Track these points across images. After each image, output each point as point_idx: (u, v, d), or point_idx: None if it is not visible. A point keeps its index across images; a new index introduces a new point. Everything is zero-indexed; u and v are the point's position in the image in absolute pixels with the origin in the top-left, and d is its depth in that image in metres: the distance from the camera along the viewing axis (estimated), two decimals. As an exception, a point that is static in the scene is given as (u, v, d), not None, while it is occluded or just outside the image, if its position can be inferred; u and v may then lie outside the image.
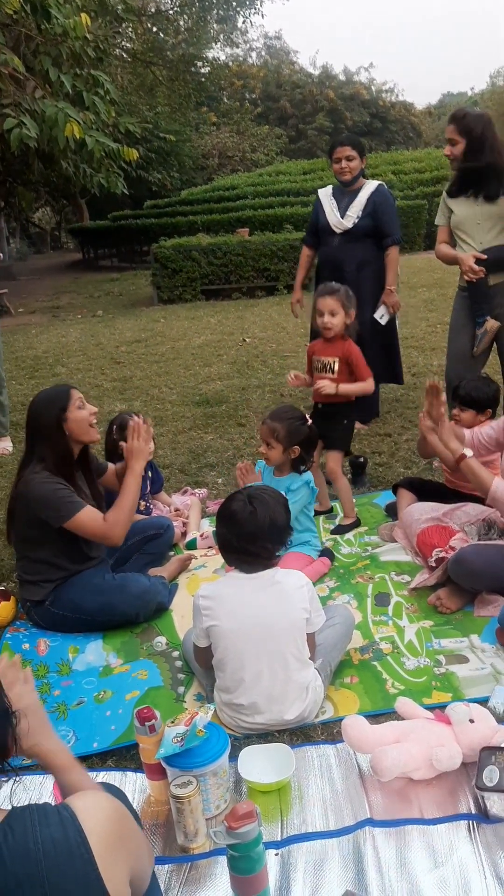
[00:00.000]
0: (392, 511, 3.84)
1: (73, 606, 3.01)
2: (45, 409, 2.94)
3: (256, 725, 2.37)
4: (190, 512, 3.96)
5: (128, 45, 19.85)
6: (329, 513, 4.03)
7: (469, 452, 2.90)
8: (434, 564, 3.15)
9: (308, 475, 3.35)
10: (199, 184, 27.98)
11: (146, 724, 2.15)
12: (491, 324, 3.97)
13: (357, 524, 3.80)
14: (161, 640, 2.95)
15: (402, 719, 2.29)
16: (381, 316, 5.11)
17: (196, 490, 4.33)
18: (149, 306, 13.15)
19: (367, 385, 3.78)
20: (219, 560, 3.54)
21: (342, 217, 4.95)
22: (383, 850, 1.92)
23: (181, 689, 2.65)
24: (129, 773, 2.30)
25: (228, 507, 2.38)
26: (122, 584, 3.05)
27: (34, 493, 2.87)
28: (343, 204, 4.94)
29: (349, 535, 3.71)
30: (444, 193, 4.12)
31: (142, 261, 20.52)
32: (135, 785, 2.26)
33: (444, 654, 2.70)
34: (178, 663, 2.79)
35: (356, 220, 4.92)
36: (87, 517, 2.93)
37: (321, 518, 3.95)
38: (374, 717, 2.40)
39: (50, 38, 7.71)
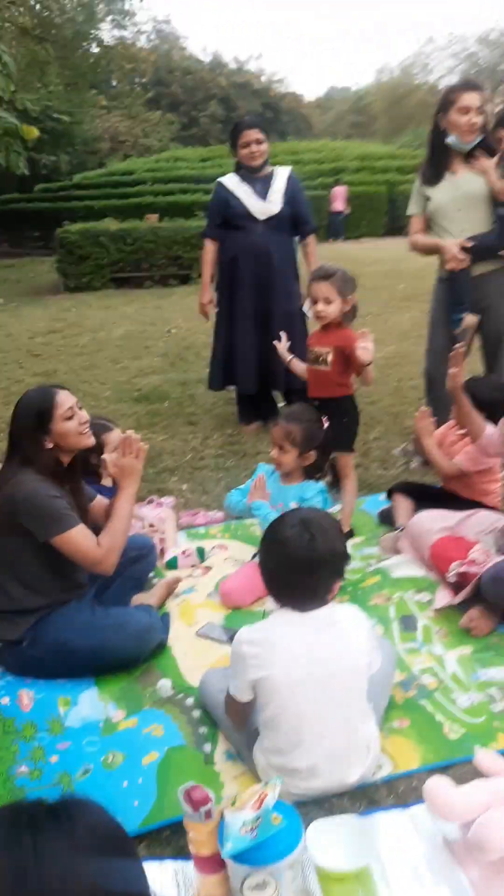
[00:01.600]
0: (387, 518, 3.55)
1: (57, 648, 2.56)
2: (25, 415, 2.49)
3: (311, 791, 2.02)
4: (165, 526, 3.54)
5: (20, 19, 18.84)
6: None
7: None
8: (454, 580, 2.87)
9: (321, 483, 3.01)
10: (90, 168, 27.11)
11: (201, 808, 1.75)
12: (469, 320, 3.73)
13: (351, 535, 3.49)
14: (166, 684, 2.54)
15: (481, 774, 1.99)
16: (308, 309, 4.89)
17: (163, 499, 3.91)
18: (55, 294, 12.45)
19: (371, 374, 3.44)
20: (210, 581, 3.17)
21: (265, 202, 4.64)
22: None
23: (207, 748, 2.25)
24: (168, 862, 1.91)
25: (280, 533, 2.00)
26: (120, 622, 2.61)
27: (23, 496, 2.43)
28: (258, 190, 4.64)
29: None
30: (418, 181, 3.85)
31: (34, 246, 19.61)
32: (177, 878, 1.86)
33: (496, 687, 2.41)
34: (196, 713, 2.39)
35: (281, 206, 4.65)
36: (83, 536, 2.50)
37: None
38: (441, 769, 2.10)
39: None
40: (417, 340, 7.24)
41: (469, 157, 3.67)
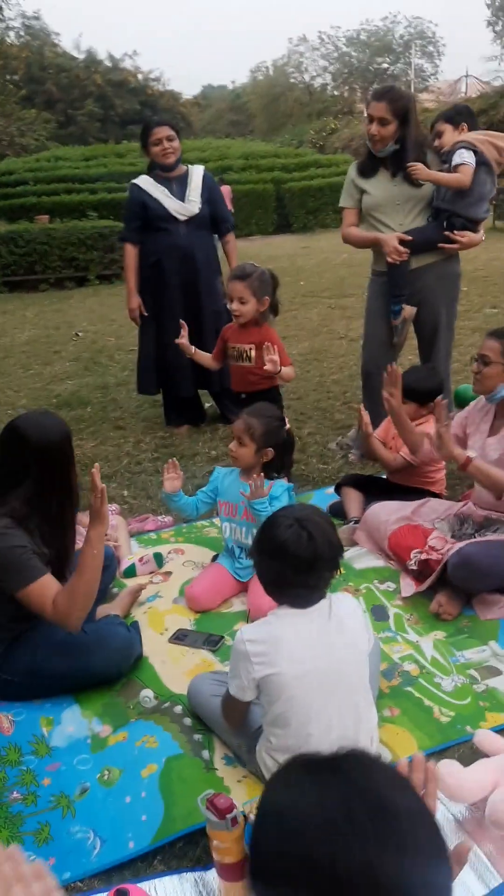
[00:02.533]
0: (337, 512, 3.59)
1: (31, 670, 2.47)
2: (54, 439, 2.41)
3: (320, 786, 2.03)
4: (118, 534, 3.47)
5: None
6: None
7: (474, 454, 2.75)
8: (415, 567, 2.95)
9: (285, 482, 3.03)
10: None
11: (227, 816, 1.74)
12: (408, 311, 3.84)
13: None
14: (148, 695, 2.50)
15: (483, 754, 2.07)
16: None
17: (109, 507, 3.82)
18: None
19: (290, 372, 3.63)
20: (173, 587, 3.14)
21: (184, 202, 4.65)
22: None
23: (206, 754, 2.23)
24: (187, 874, 1.88)
25: (278, 538, 1.99)
26: (99, 639, 2.53)
27: None
28: (175, 190, 4.63)
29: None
30: (354, 173, 3.91)
31: None
32: (198, 888, 1.85)
33: (473, 668, 2.51)
34: (187, 721, 2.36)
35: (200, 205, 4.67)
36: (43, 589, 2.31)
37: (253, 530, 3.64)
38: (439, 753, 2.16)
39: None
40: (329, 335, 7.41)
41: (397, 162, 3.74)
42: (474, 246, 3.76)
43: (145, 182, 4.66)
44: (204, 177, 4.73)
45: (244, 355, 3.63)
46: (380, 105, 3.60)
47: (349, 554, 3.24)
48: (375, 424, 4.08)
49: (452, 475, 3.71)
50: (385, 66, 45.00)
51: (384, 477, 3.70)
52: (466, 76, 37.80)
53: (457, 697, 2.38)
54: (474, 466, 2.73)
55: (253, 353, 3.60)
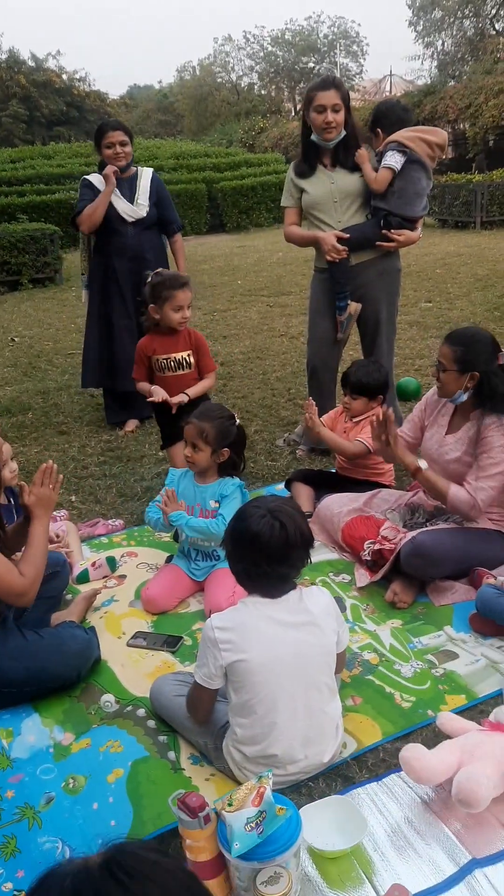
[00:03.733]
0: (289, 508, 3.62)
1: None
2: None
3: (289, 778, 2.05)
4: (69, 539, 3.43)
5: None
6: None
7: (423, 465, 2.81)
8: (369, 557, 2.99)
9: (237, 479, 3.03)
10: None
11: (200, 814, 1.74)
12: (353, 307, 3.88)
13: None
14: (109, 699, 2.47)
15: (446, 736, 2.11)
16: None
17: (56, 512, 3.77)
18: None
19: (210, 381, 3.68)
20: (129, 590, 3.11)
21: (133, 204, 4.71)
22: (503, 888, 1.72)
23: (172, 755, 2.22)
24: (160, 875, 1.87)
25: (250, 530, 2.00)
26: (57, 643, 2.50)
27: None
28: (125, 192, 4.70)
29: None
30: (292, 174, 3.94)
31: None
32: (172, 888, 1.83)
33: (431, 653, 2.55)
34: (151, 723, 2.35)
35: (149, 208, 4.75)
36: (4, 567, 2.36)
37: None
38: (403, 738, 2.20)
39: None
40: (270, 333, 7.44)
41: (338, 153, 3.77)
42: (412, 244, 3.81)
43: (97, 181, 4.70)
44: (152, 179, 4.79)
45: (183, 364, 3.60)
46: (330, 93, 3.64)
47: (303, 548, 3.27)
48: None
49: (399, 466, 3.76)
50: (311, 65, 45.35)
51: (333, 471, 3.74)
52: (391, 75, 38.41)
53: (416, 682, 2.42)
54: (423, 476, 2.82)
55: (192, 358, 3.59)
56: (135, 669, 2.62)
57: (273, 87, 46.01)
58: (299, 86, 45.43)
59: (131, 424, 5.02)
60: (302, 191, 3.88)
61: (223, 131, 40.15)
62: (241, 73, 47.25)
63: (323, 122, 3.68)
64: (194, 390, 3.53)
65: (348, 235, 3.74)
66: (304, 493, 3.55)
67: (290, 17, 75.77)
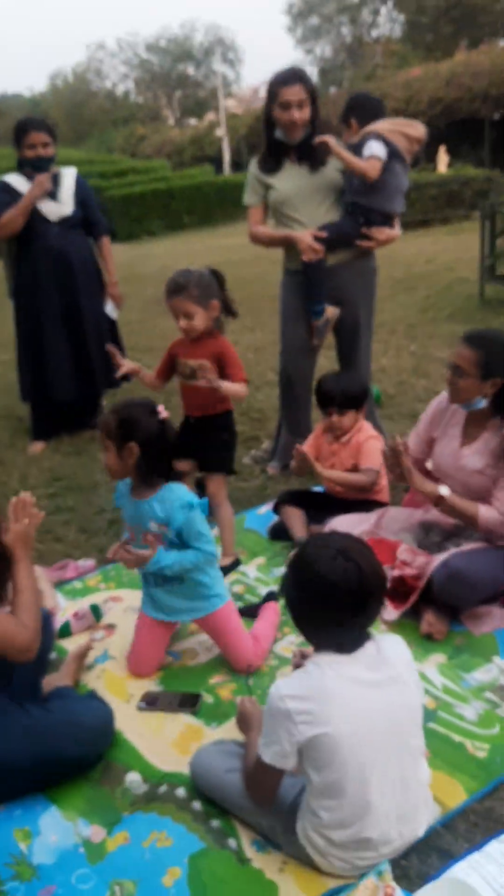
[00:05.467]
0: (279, 534, 3.35)
1: None
2: None
3: (381, 858, 1.77)
4: (42, 587, 3.02)
5: None
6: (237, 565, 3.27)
7: (445, 491, 2.59)
8: (389, 586, 2.75)
9: (182, 489, 2.52)
10: None
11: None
12: (331, 311, 3.64)
13: (237, 563, 3.22)
14: (135, 779, 2.13)
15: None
16: (111, 311, 4.88)
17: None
18: None
19: (242, 388, 3.07)
20: (122, 642, 2.75)
21: (56, 203, 4.45)
22: None
23: (232, 843, 1.90)
24: None
25: (321, 576, 1.69)
26: (70, 719, 2.13)
27: None
28: (48, 191, 4.43)
29: (255, 573, 3.13)
30: (256, 170, 3.66)
31: None
32: None
33: (489, 690, 2.33)
34: (196, 805, 2.02)
35: (74, 207, 4.51)
36: (7, 619, 2.03)
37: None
38: (489, 794, 1.97)
39: None
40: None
41: (304, 148, 3.53)
42: (391, 242, 3.61)
43: (16, 180, 4.43)
44: (77, 179, 4.56)
45: (197, 373, 3.05)
46: (295, 88, 3.38)
47: (310, 579, 3.00)
48: (297, 433, 3.88)
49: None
50: (191, 72, 45.23)
51: (322, 490, 3.48)
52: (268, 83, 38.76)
53: (484, 727, 2.19)
54: (446, 504, 2.58)
55: (212, 369, 3.13)
56: (156, 739, 2.28)
57: (150, 93, 45.57)
58: (177, 93, 45.25)
59: (38, 446, 4.76)
60: (268, 187, 3.61)
61: (101, 139, 39.49)
62: (117, 81, 46.62)
63: (288, 119, 3.43)
64: (229, 386, 2.97)
65: (325, 234, 3.49)
66: (296, 517, 3.28)
67: (164, 24, 75.45)
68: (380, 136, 3.41)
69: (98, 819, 2.02)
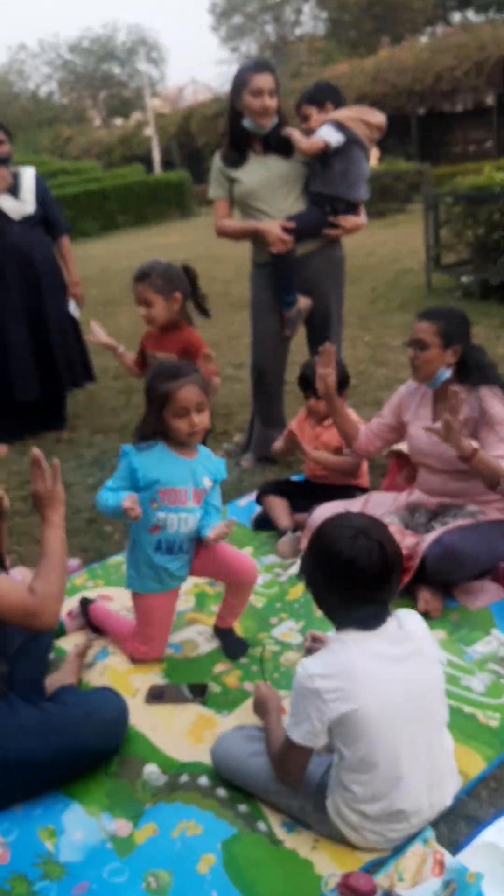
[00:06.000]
0: (263, 524, 3.37)
1: (3, 764, 1.98)
2: None
3: (410, 831, 1.81)
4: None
5: None
6: None
7: (476, 444, 2.63)
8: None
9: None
10: None
11: (374, 898, 1.48)
12: (303, 302, 3.68)
13: None
14: (153, 770, 2.13)
15: None
16: (74, 310, 4.87)
17: (0, 560, 3.30)
18: None
19: (213, 381, 3.03)
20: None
21: (18, 200, 4.41)
22: None
23: (262, 826, 1.91)
24: None
25: (343, 555, 1.72)
26: (88, 711, 2.11)
27: None
28: (7, 189, 4.39)
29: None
30: (220, 164, 3.66)
31: None
32: None
33: (492, 662, 2.40)
34: (221, 791, 2.02)
35: (35, 206, 4.47)
36: (7, 586, 1.98)
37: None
38: (505, 761, 2.03)
39: None
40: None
41: (270, 138, 3.56)
42: (358, 230, 3.66)
43: None
44: (36, 178, 4.52)
45: None
46: (267, 76, 3.41)
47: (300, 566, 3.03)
48: (270, 425, 3.91)
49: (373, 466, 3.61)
50: (116, 72, 44.74)
51: (303, 479, 3.52)
52: (193, 83, 38.75)
53: (492, 696, 2.25)
54: (478, 458, 2.61)
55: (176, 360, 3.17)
56: (169, 731, 2.27)
57: (75, 94, 44.97)
58: (101, 93, 44.75)
59: (2, 449, 4.71)
60: (233, 181, 3.62)
61: (26, 140, 38.77)
62: (40, 82, 45.85)
63: (260, 106, 3.44)
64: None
65: (294, 225, 3.52)
66: (280, 507, 3.31)
67: (86, 25, 74.59)
68: (338, 124, 3.45)
69: (121, 813, 2.01)
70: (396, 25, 31.68)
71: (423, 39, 29.20)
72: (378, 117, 3.54)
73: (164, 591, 2.56)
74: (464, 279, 7.47)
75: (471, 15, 30.21)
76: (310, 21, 36.07)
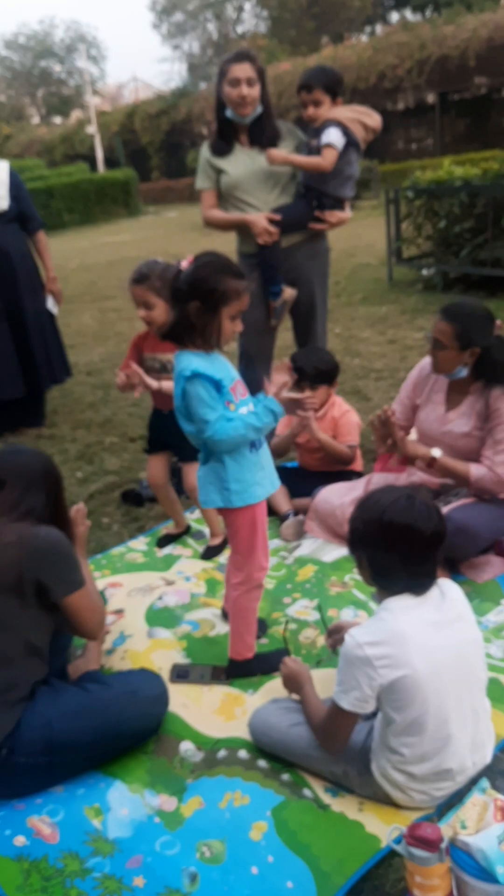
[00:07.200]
0: (263, 510, 3.42)
1: (48, 746, 2.00)
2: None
3: (455, 789, 1.89)
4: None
5: None
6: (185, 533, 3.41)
7: (438, 453, 2.75)
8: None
9: None
10: None
11: (440, 846, 1.54)
12: (288, 292, 3.73)
13: (227, 542, 3.28)
14: (189, 747, 2.17)
15: None
16: (52, 306, 4.89)
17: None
18: None
19: None
20: (136, 620, 2.79)
21: None
22: None
23: (307, 793, 1.97)
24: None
25: (401, 518, 1.79)
26: (131, 690, 2.14)
27: (51, 545, 2.01)
28: None
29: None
30: (208, 153, 3.69)
31: None
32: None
33: (504, 630, 2.50)
34: (261, 763, 2.07)
35: (9, 201, 4.47)
36: (91, 590, 2.18)
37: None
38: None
39: None
40: (121, 338, 7.10)
41: (254, 130, 3.59)
42: (343, 224, 3.73)
43: None
44: (10, 173, 4.48)
45: (168, 367, 3.06)
46: (245, 66, 3.41)
47: (310, 548, 3.10)
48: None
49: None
50: (56, 69, 44.18)
51: (296, 466, 3.59)
52: (135, 80, 38.50)
53: (511, 662, 2.35)
54: (440, 464, 2.72)
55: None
56: (200, 708, 2.32)
57: (12, 91, 44.25)
58: (40, 90, 44.14)
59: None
60: (219, 171, 3.65)
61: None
62: (-24, 80, 44.98)
63: (237, 96, 3.46)
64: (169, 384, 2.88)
65: (280, 217, 3.57)
66: (279, 493, 3.36)
67: (22, 21, 73.29)
68: (340, 124, 3.48)
69: (163, 789, 2.04)
70: (336, 24, 31.98)
71: (364, 38, 29.53)
72: (376, 120, 3.57)
73: (265, 495, 2.36)
74: (425, 272, 7.63)
75: (408, 14, 30.63)
76: (252, 19, 36.19)
